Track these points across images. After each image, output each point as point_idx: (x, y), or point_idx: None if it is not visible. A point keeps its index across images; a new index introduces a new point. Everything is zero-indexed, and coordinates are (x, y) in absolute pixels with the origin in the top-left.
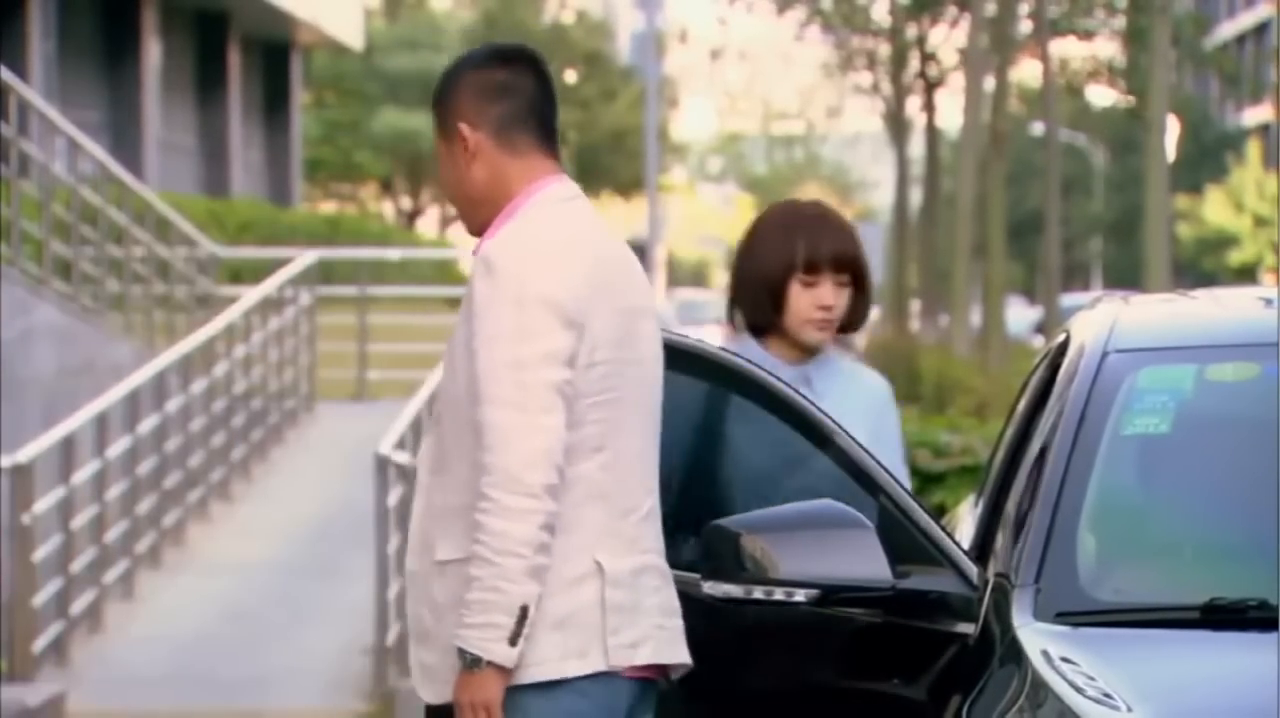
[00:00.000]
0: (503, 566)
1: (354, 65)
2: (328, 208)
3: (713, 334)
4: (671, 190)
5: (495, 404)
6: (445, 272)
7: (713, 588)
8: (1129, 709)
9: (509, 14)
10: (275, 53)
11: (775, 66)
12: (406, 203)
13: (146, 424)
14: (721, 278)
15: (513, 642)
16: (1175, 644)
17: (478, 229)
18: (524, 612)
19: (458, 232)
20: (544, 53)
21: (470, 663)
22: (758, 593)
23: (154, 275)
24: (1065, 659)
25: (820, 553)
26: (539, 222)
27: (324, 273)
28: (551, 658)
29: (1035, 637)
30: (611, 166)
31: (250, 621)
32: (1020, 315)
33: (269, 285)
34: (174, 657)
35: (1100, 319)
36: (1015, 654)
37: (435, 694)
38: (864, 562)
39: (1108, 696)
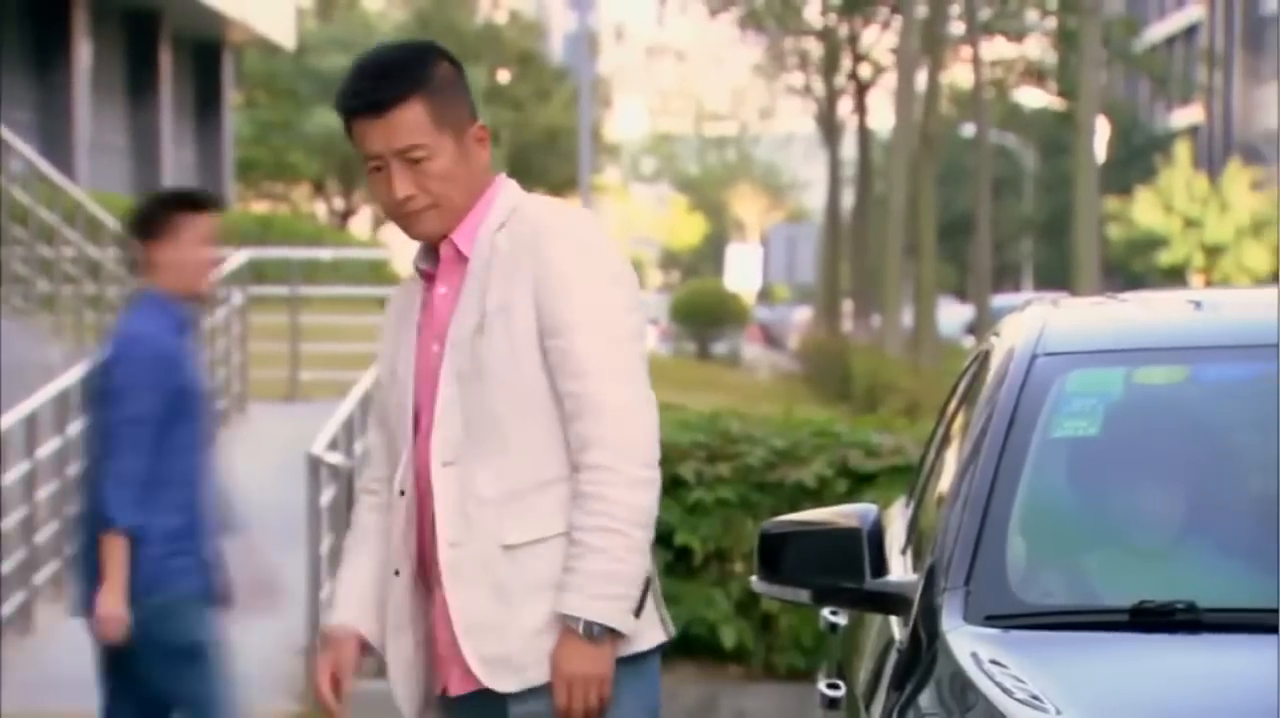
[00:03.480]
0: (632, 537)
1: (286, 65)
2: (260, 208)
3: (651, 335)
4: (605, 191)
5: (610, 378)
6: (378, 272)
7: (758, 587)
8: (1058, 712)
9: (442, 14)
10: (206, 52)
11: (708, 67)
12: (339, 203)
13: (77, 425)
14: (655, 278)
15: (636, 613)
16: (1104, 647)
17: (453, 225)
18: (647, 583)
19: (390, 232)
20: (477, 52)
21: (597, 635)
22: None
23: (85, 276)
24: (994, 662)
25: (813, 555)
26: (563, 204)
27: (256, 273)
28: (644, 629)
29: (964, 639)
30: (545, 166)
31: None
32: (952, 316)
33: None
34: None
35: (1029, 322)
36: (945, 657)
37: (517, 682)
38: (846, 563)
39: (1036, 698)
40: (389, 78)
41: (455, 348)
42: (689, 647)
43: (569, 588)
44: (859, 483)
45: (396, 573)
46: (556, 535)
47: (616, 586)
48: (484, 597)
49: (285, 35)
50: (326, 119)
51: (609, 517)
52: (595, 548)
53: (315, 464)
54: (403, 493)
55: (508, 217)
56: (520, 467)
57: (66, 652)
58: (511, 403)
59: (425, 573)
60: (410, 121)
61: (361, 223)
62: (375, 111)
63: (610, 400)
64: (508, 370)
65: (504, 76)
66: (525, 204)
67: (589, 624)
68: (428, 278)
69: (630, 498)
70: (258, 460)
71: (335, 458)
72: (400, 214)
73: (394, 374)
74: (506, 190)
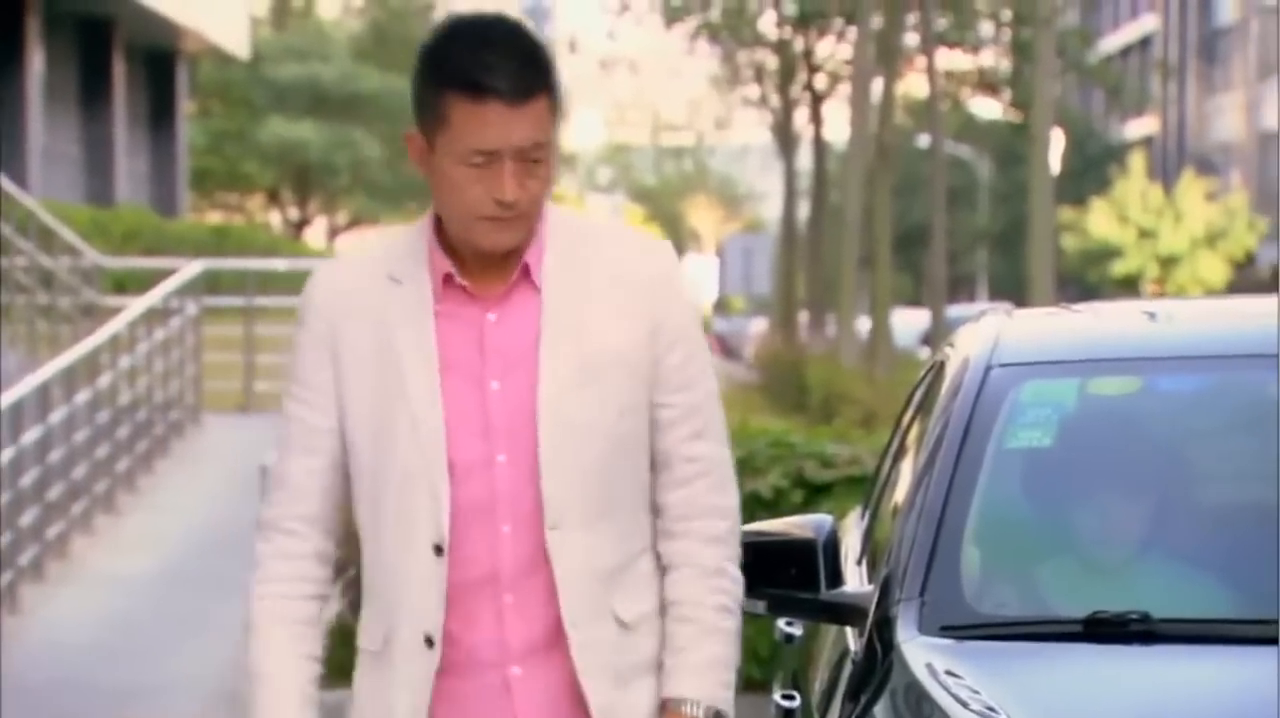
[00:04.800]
0: (740, 617)
1: (240, 74)
2: (214, 218)
3: None
4: (561, 201)
5: (721, 441)
6: None
7: None
8: None
9: (398, 24)
10: (160, 61)
11: (664, 78)
12: (294, 213)
13: (30, 436)
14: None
15: None
16: (1058, 657)
17: (528, 241)
18: None
19: (346, 242)
20: None
21: None
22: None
23: (37, 285)
24: (949, 673)
25: (768, 566)
26: (642, 234)
27: (210, 283)
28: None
29: (919, 650)
30: None
31: (134, 633)
32: (907, 326)
33: (154, 296)
34: (58, 669)
35: (984, 333)
36: (900, 668)
37: None
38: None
39: (991, 709)
40: (533, 64)
41: (556, 394)
42: None
43: (688, 670)
44: (815, 494)
45: (428, 642)
46: (654, 611)
47: (730, 670)
48: (605, 680)
49: (239, 44)
50: (281, 129)
51: (730, 596)
52: (718, 629)
53: (268, 475)
54: (439, 551)
55: (572, 241)
56: (626, 533)
57: (19, 663)
58: (615, 461)
59: (466, 650)
60: (541, 118)
61: (316, 233)
62: (517, 99)
63: (730, 470)
64: (612, 425)
65: None
66: (594, 230)
67: (709, 709)
68: (448, 299)
69: (740, 577)
70: (212, 472)
71: None
72: (488, 218)
73: (404, 412)
74: (554, 210)
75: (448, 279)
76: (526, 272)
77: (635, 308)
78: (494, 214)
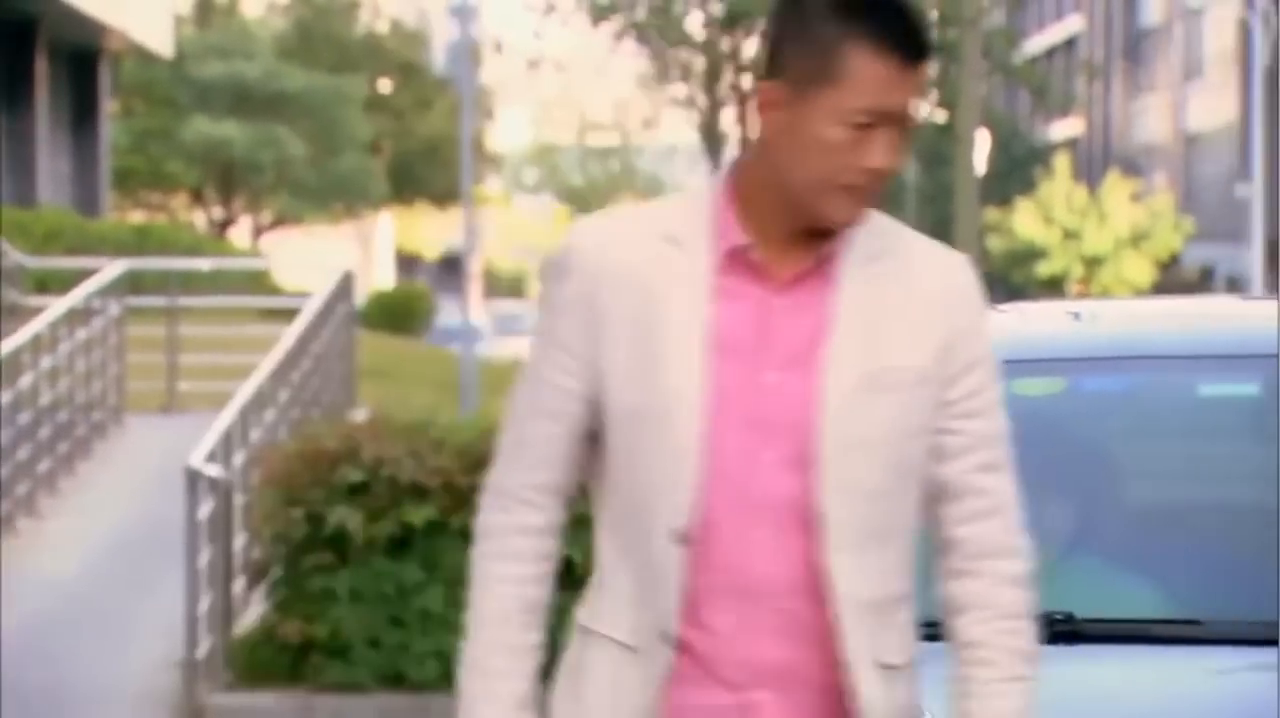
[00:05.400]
0: (1036, 667)
1: (164, 73)
2: (137, 217)
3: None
4: (487, 201)
5: (1011, 476)
6: (257, 282)
7: None
8: None
9: (323, 23)
10: (83, 60)
11: (590, 78)
12: (218, 212)
13: None
14: (538, 289)
15: None
16: None
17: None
18: None
19: (269, 241)
20: (358, 62)
21: None
22: None
23: None
24: None
25: None
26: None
27: (133, 283)
28: None
29: None
30: (427, 176)
31: (59, 635)
32: None
33: (76, 296)
34: None
35: None
36: None
37: None
38: None
39: (920, 709)
40: (924, 23)
41: (842, 402)
42: None
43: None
44: None
45: (663, 641)
46: (910, 663)
47: None
48: None
49: (163, 43)
50: (205, 128)
51: (1031, 644)
52: (1020, 677)
53: (193, 477)
54: (681, 542)
55: (873, 240)
56: (896, 568)
57: None
58: (896, 485)
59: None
60: (923, 84)
61: (240, 233)
62: (917, 59)
63: (1012, 497)
64: (897, 445)
65: (385, 86)
66: (896, 233)
67: None
68: (731, 273)
69: (1034, 628)
70: (135, 474)
71: (214, 470)
72: (848, 186)
73: (662, 388)
74: None
75: (733, 252)
76: (822, 261)
77: (931, 324)
78: (856, 183)
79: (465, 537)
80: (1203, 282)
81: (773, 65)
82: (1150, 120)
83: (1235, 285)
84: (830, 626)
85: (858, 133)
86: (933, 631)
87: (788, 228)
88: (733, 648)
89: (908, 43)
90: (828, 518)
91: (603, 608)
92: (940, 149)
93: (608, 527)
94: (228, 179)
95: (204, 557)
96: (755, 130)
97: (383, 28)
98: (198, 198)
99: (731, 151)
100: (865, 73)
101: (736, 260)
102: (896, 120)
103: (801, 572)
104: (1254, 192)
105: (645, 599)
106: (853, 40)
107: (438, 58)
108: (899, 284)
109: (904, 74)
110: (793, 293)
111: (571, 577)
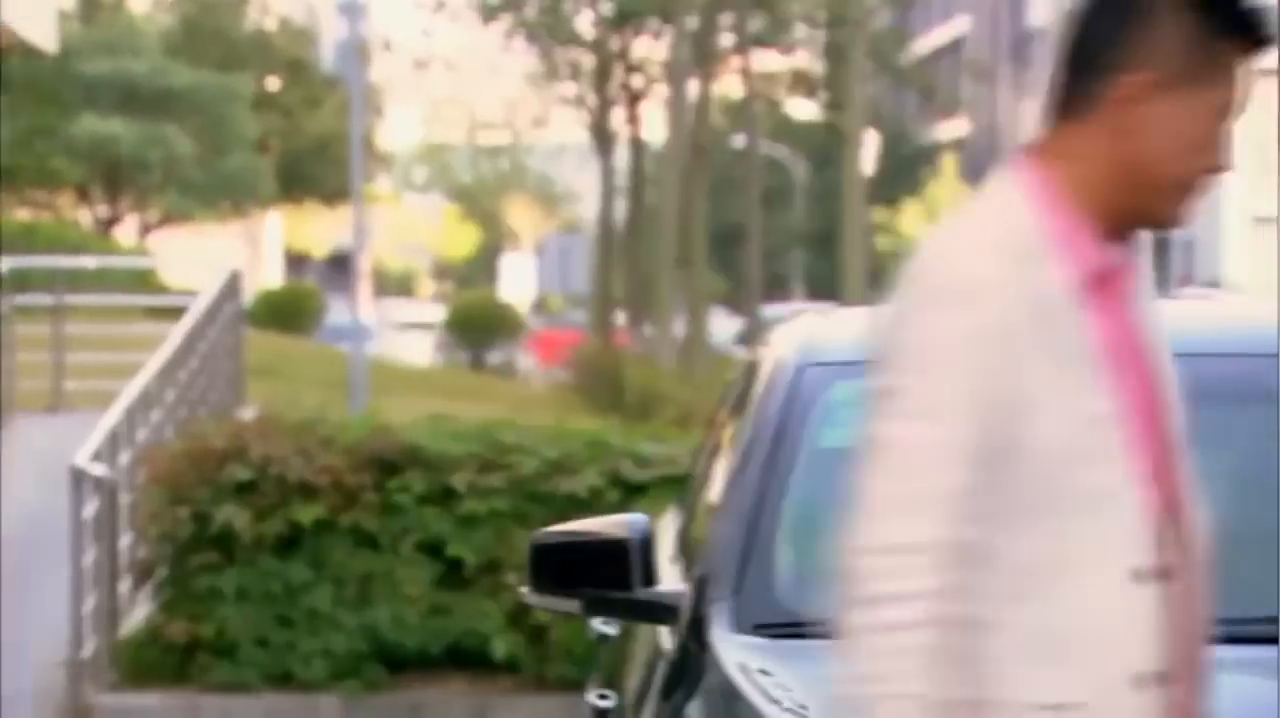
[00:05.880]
0: None
1: (49, 70)
2: (22, 215)
3: (424, 345)
4: (377, 200)
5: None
6: (144, 280)
7: (529, 598)
8: None
9: (210, 19)
10: None
11: (480, 76)
12: (104, 210)
13: None
14: (428, 288)
15: None
16: None
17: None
18: None
19: (157, 240)
20: (246, 59)
21: None
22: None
23: None
24: (762, 671)
25: (583, 566)
26: None
27: (19, 282)
28: None
29: (732, 649)
30: (316, 175)
31: None
32: (724, 326)
33: None
34: None
35: (798, 333)
36: (713, 667)
37: None
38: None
39: (803, 707)
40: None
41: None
42: (460, 659)
43: None
44: (631, 493)
45: (1162, 680)
46: None
47: None
48: None
49: (47, 39)
50: (92, 125)
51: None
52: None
53: (79, 476)
54: (1143, 578)
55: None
56: None
57: None
58: None
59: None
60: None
61: (127, 231)
62: (1260, 54)
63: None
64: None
65: (274, 84)
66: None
67: None
68: (1103, 280)
69: None
70: (20, 472)
71: (99, 470)
72: (1196, 186)
73: (1083, 416)
74: None
75: (1099, 265)
76: (1127, 262)
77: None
78: (1202, 182)
79: (354, 536)
80: None
81: (1127, 58)
82: (1035, 121)
83: None
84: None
85: (1217, 131)
86: (818, 628)
87: (1114, 227)
88: (1192, 695)
89: (1265, 35)
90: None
91: (1037, 672)
92: (829, 149)
93: (1038, 577)
94: (114, 177)
95: (89, 556)
96: (1128, 124)
97: (271, 25)
98: (83, 196)
99: (621, 150)
100: (1236, 66)
101: (1098, 271)
102: (1235, 114)
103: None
104: None
105: (1108, 643)
106: (1237, 37)
107: (326, 55)
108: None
109: (1250, 70)
110: (1128, 299)
111: (461, 576)
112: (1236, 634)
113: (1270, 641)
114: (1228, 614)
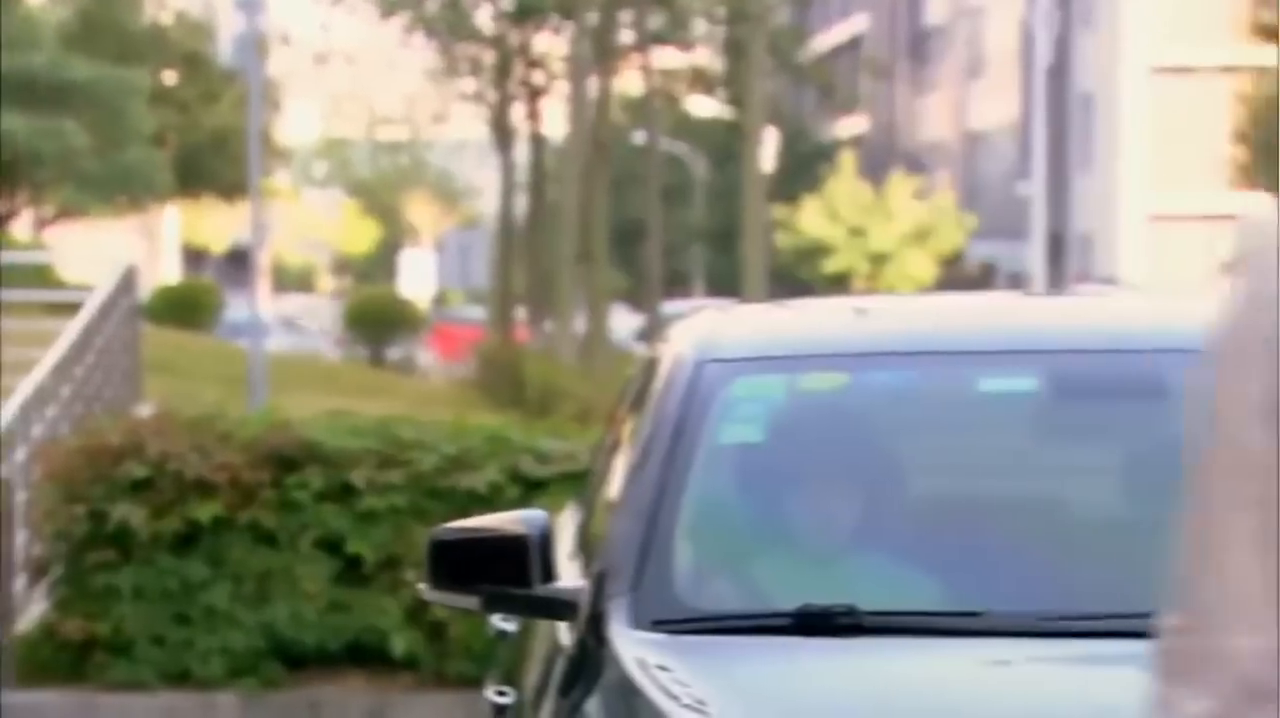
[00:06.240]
0: None
1: None
2: None
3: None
4: (275, 195)
5: None
6: (40, 276)
7: (428, 594)
8: (721, 716)
9: (106, 12)
10: None
11: (380, 72)
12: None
13: None
14: (328, 284)
15: None
16: (768, 651)
17: None
18: None
19: (52, 234)
20: (142, 53)
21: None
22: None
23: None
24: (660, 667)
25: (482, 562)
26: None
27: None
28: None
29: (631, 645)
30: (214, 169)
31: None
32: (625, 322)
33: None
34: None
35: (697, 329)
36: (611, 663)
37: None
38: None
39: (701, 702)
40: None
41: None
42: (359, 656)
43: None
44: (531, 489)
45: None
46: None
47: None
48: None
49: None
50: None
51: None
52: None
53: None
54: None
55: None
56: None
57: None
58: None
59: None
60: None
61: (22, 225)
62: None
63: None
64: None
65: (171, 78)
66: None
67: None
68: None
69: None
70: None
71: None
72: None
73: None
74: None
75: None
76: None
77: None
78: None
79: (252, 533)
80: (984, 278)
81: None
82: (933, 119)
83: (1017, 281)
84: None
85: None
86: (717, 623)
87: None
88: None
89: None
90: None
91: None
92: (729, 146)
93: None
94: (9, 171)
95: None
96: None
97: (167, 19)
98: None
99: (522, 146)
100: None
101: None
102: None
103: None
104: (1034, 189)
105: None
106: None
107: (224, 49)
108: None
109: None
110: None
111: (359, 572)
112: (1130, 629)
113: (1144, 635)
114: (1121, 609)
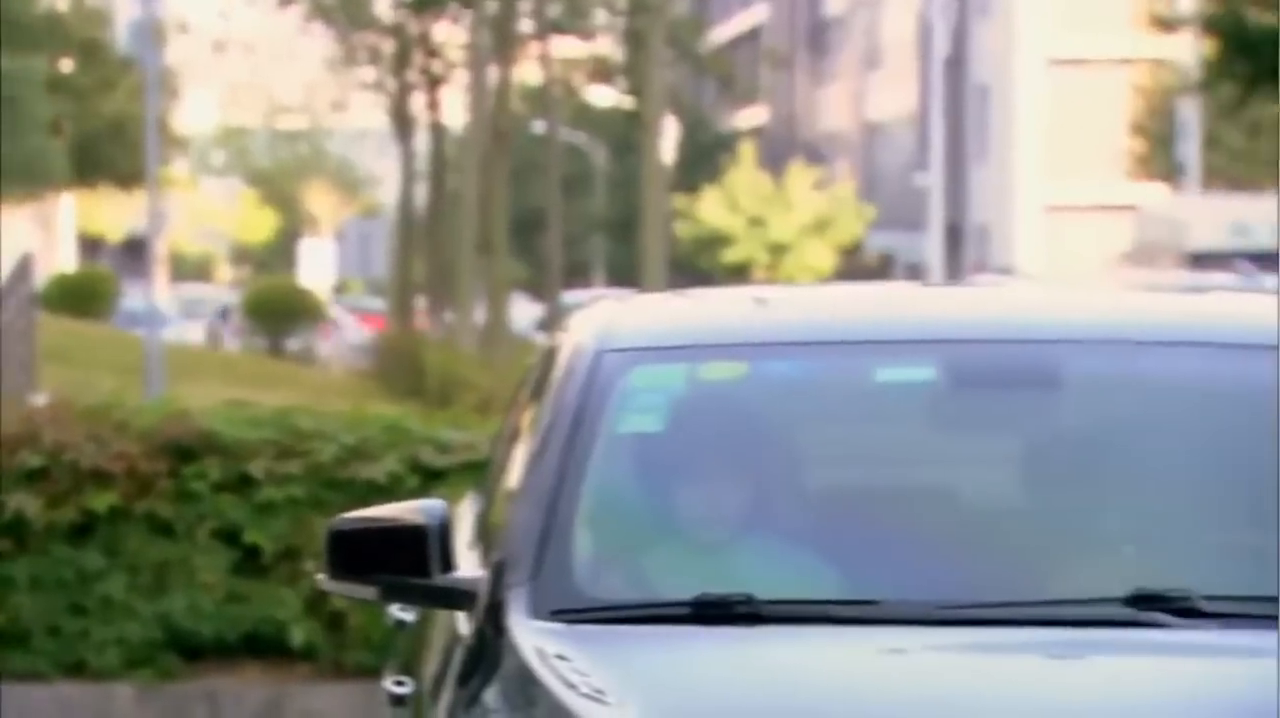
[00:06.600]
0: None
1: None
2: None
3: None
4: (173, 184)
5: None
6: None
7: (326, 585)
8: (619, 705)
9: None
10: None
11: (278, 60)
12: None
13: None
14: (226, 273)
15: None
16: (666, 640)
17: None
18: None
19: None
20: (38, 41)
21: None
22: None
23: None
24: (559, 657)
25: (380, 552)
26: None
27: None
28: None
29: (529, 634)
30: (111, 158)
31: None
32: (525, 312)
33: None
34: None
35: (596, 319)
36: (510, 652)
37: None
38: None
39: (599, 692)
40: None
41: None
42: (256, 647)
43: None
44: (431, 479)
45: None
46: None
47: None
48: None
49: None
50: None
51: None
52: None
53: None
54: None
55: None
56: None
57: None
58: None
59: None
60: None
61: None
62: None
63: None
64: None
65: (67, 66)
66: None
67: None
68: None
69: None
70: None
71: None
72: None
73: None
74: None
75: None
76: None
77: None
78: None
79: (148, 524)
80: (883, 268)
81: None
82: (832, 109)
83: (915, 272)
84: None
85: None
86: (616, 613)
87: None
88: None
89: None
90: None
91: None
92: (629, 136)
93: None
94: None
95: None
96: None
97: (63, 6)
98: None
99: (422, 135)
100: None
101: None
102: None
103: None
104: (932, 180)
105: None
106: None
107: (121, 37)
108: None
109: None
110: None
111: (258, 563)
112: (1025, 617)
113: (1040, 623)
114: (1017, 598)
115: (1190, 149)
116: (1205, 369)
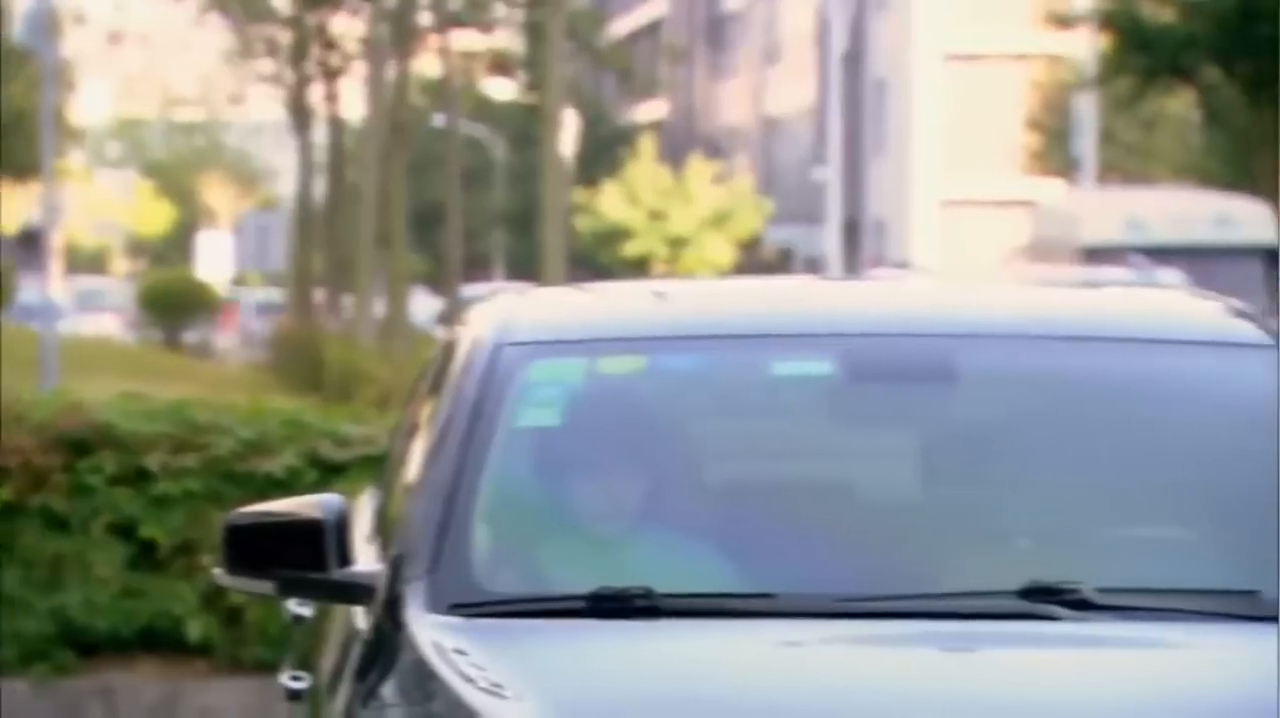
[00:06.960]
0: None
1: None
2: None
3: (111, 322)
4: (69, 176)
5: None
6: None
7: (223, 579)
8: (517, 699)
9: None
10: None
11: (174, 51)
12: None
13: None
14: (122, 266)
15: None
16: (564, 634)
17: None
18: None
19: None
20: None
21: None
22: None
23: None
24: (458, 651)
25: (277, 547)
26: None
27: None
28: None
29: (427, 629)
30: (5, 150)
31: None
32: (425, 306)
33: None
34: None
35: (495, 312)
36: (408, 647)
37: None
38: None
39: (497, 686)
40: None
41: None
42: (152, 642)
43: None
44: (330, 473)
45: None
46: None
47: None
48: None
49: None
50: None
51: None
52: None
53: None
54: None
55: None
56: None
57: None
58: None
59: None
60: None
61: None
62: None
63: None
64: None
65: None
66: None
67: None
68: None
69: None
70: None
71: None
72: None
73: None
74: None
75: None
76: None
77: None
78: None
79: (43, 518)
80: (782, 262)
81: None
82: (732, 104)
83: (813, 266)
84: None
85: None
86: (514, 607)
87: None
88: None
89: None
90: None
91: None
92: (529, 129)
93: None
94: None
95: None
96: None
97: None
98: None
99: (320, 128)
100: None
101: None
102: None
103: None
104: (830, 175)
105: None
106: None
107: (16, 28)
108: None
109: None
110: None
111: (154, 558)
112: (921, 610)
113: (935, 616)
114: (912, 590)
115: (1086, 144)
116: (1099, 364)
